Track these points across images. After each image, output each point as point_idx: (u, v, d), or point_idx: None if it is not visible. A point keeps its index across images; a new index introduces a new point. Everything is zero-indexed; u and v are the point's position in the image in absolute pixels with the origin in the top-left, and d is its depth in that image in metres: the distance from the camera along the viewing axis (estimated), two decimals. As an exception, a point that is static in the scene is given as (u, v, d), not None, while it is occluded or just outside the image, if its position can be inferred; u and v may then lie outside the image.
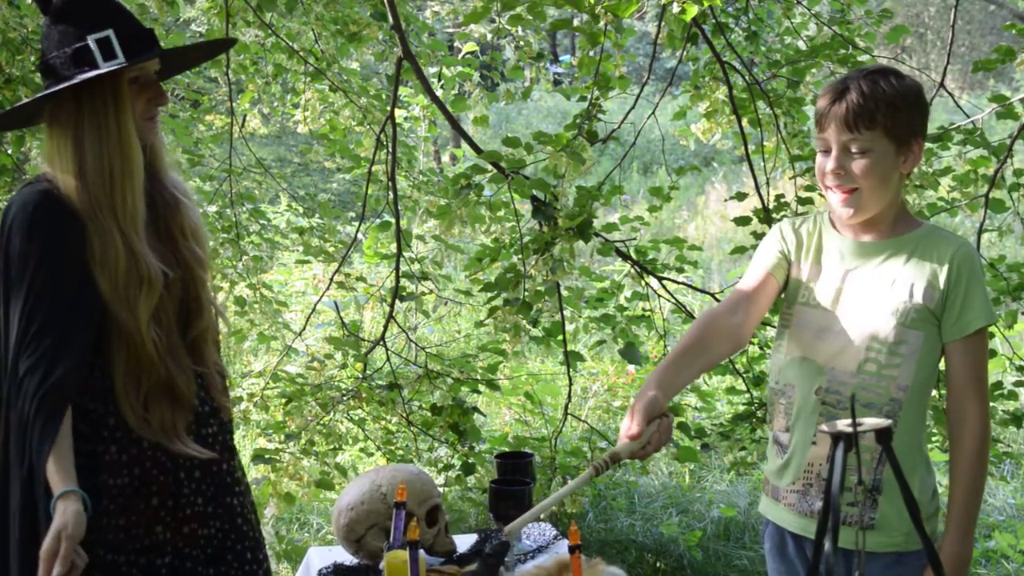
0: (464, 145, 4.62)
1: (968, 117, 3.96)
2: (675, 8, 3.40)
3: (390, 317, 4.28)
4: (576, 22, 3.87)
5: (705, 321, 2.19)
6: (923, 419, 2.15)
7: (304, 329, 4.74)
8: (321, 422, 4.13)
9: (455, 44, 4.75)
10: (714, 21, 4.04)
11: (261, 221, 5.14)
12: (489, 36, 3.97)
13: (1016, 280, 3.82)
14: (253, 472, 4.05)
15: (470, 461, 4.13)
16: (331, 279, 4.54)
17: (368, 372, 4.22)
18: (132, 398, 2.03)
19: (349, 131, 4.96)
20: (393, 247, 4.24)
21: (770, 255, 2.22)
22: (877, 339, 2.08)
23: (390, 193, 4.20)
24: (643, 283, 4.05)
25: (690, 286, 5.12)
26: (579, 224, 3.49)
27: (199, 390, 2.15)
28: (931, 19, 20.85)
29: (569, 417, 4.36)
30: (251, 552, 2.21)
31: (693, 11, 3.36)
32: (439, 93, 4.43)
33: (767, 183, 4.08)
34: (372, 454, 4.69)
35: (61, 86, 2.00)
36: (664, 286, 4.14)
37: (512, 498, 2.43)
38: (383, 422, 4.40)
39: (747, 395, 4.19)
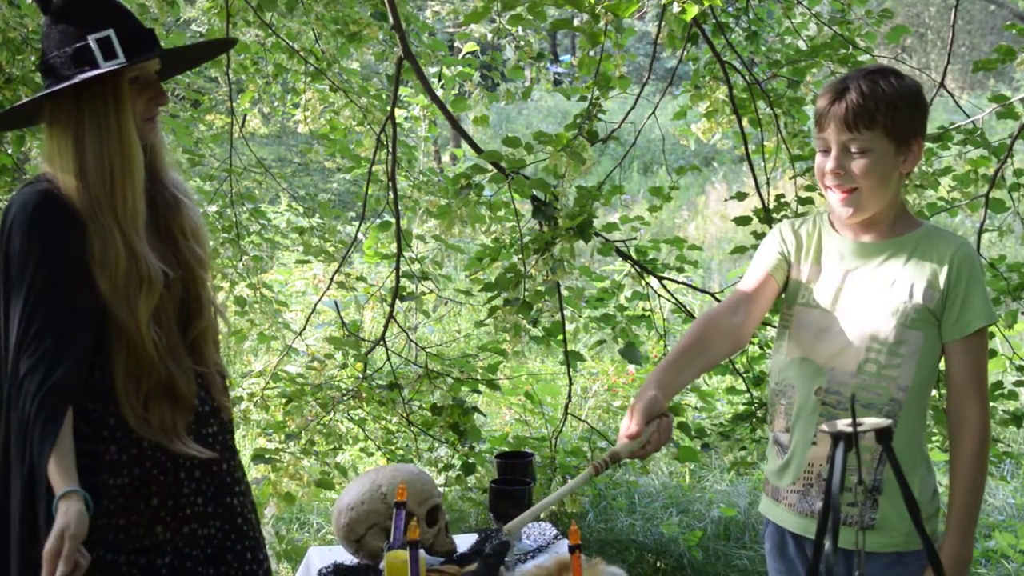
0: (464, 145, 4.62)
1: (968, 117, 3.95)
2: (675, 8, 3.40)
3: (390, 317, 4.28)
4: (576, 22, 3.88)
5: (705, 321, 2.19)
6: (923, 419, 2.15)
7: (304, 329, 4.74)
8: (321, 422, 4.13)
9: (455, 44, 4.75)
10: (714, 21, 4.04)
11: (261, 221, 5.14)
12: (489, 36, 3.97)
13: (1016, 280, 3.82)
14: (253, 472, 4.05)
15: (470, 461, 4.13)
16: (331, 279, 4.54)
17: (368, 372, 4.22)
18: (132, 398, 2.03)
19: (349, 131, 4.96)
20: (393, 247, 4.24)
21: (770, 256, 2.22)
22: (877, 339, 2.08)
23: (390, 193, 4.20)
24: (643, 283, 4.05)
25: (690, 286, 5.12)
26: (579, 224, 3.49)
27: (199, 390, 2.15)
28: (931, 19, 20.85)
29: (569, 417, 4.37)
30: (251, 552, 2.21)
31: (693, 11, 3.36)
32: (439, 93, 4.43)
33: (767, 183, 4.08)
34: (372, 454, 4.69)
35: (61, 85, 2.00)
36: (664, 286, 4.14)
37: (512, 498, 2.43)
38: (383, 422, 4.40)
39: (747, 395, 4.19)
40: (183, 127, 4.96)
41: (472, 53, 4.57)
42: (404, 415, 4.17)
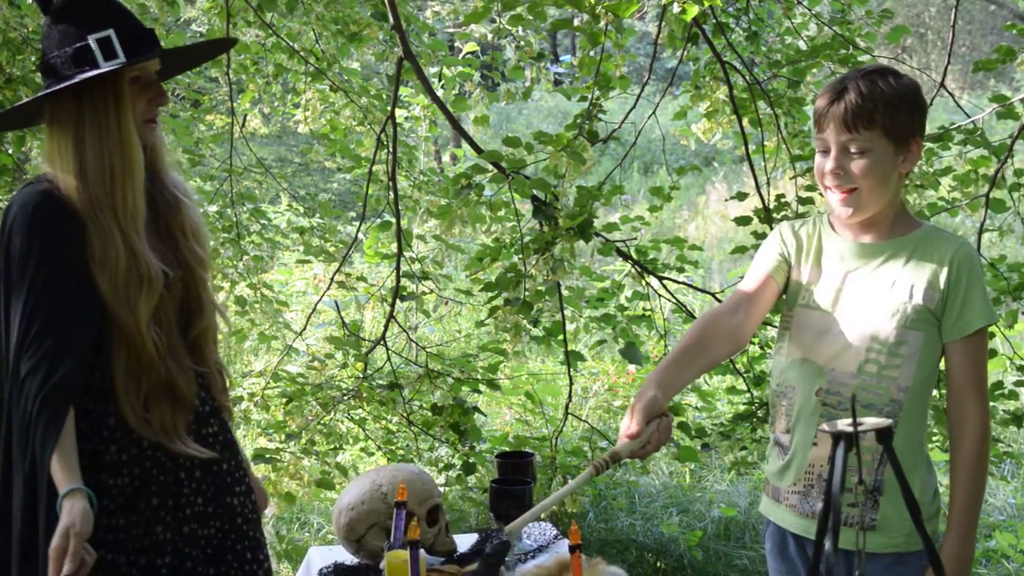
0: (465, 145, 4.62)
1: (968, 117, 3.95)
2: (676, 8, 3.40)
3: (391, 317, 4.28)
4: (577, 22, 3.88)
5: (705, 322, 2.19)
6: (924, 419, 2.15)
7: (305, 329, 4.74)
8: (322, 422, 4.13)
9: (456, 44, 4.75)
10: (715, 21, 4.04)
11: (262, 221, 5.14)
12: (490, 36, 3.97)
13: (1016, 280, 3.82)
14: (253, 472, 4.05)
15: (471, 461, 4.13)
16: (332, 279, 4.54)
17: (369, 372, 4.23)
18: (132, 398, 2.03)
19: (350, 131, 4.96)
20: (394, 247, 4.25)
21: (770, 258, 2.22)
22: (877, 340, 2.08)
23: (391, 193, 4.20)
24: (644, 283, 4.06)
25: (691, 286, 5.12)
26: (580, 224, 3.49)
27: (199, 390, 2.15)
28: (931, 19, 20.84)
29: (570, 417, 4.37)
30: (251, 552, 2.21)
31: (694, 11, 3.36)
32: (440, 93, 4.43)
33: (768, 183, 4.08)
34: (373, 454, 4.69)
35: (61, 85, 2.00)
36: (665, 286, 4.15)
37: (512, 498, 2.43)
38: (384, 422, 4.40)
39: (747, 395, 4.20)
40: (183, 127, 4.96)
41: (472, 53, 4.57)
42: (404, 415, 4.17)
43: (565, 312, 3.93)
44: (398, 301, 4.27)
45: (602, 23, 3.46)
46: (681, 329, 4.76)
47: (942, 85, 4.04)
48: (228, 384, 2.30)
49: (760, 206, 3.98)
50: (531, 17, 3.72)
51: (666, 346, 4.26)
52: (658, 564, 4.52)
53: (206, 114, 5.50)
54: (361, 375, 4.19)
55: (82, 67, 2.00)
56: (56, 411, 1.91)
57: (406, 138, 5.12)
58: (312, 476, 4.17)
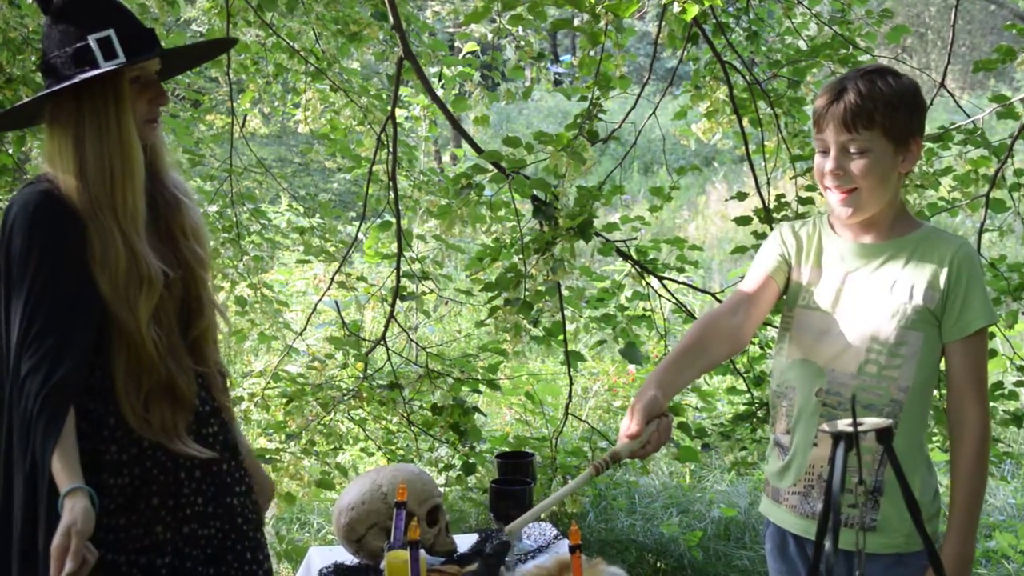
0: (465, 145, 4.62)
1: (968, 117, 3.95)
2: (676, 8, 3.40)
3: (391, 317, 4.28)
4: (577, 22, 3.88)
5: (705, 322, 2.19)
6: (924, 420, 2.15)
7: (305, 329, 4.74)
8: (322, 422, 4.13)
9: (456, 44, 4.75)
10: (715, 21, 4.04)
11: (262, 221, 5.14)
12: (490, 36, 3.97)
13: (1016, 280, 3.82)
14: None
15: (471, 461, 4.13)
16: (332, 279, 4.55)
17: (369, 372, 4.23)
18: (132, 398, 2.03)
19: (350, 131, 4.96)
20: (394, 247, 4.25)
21: (770, 258, 2.22)
22: (877, 340, 2.08)
23: (391, 193, 4.20)
24: (644, 283, 4.06)
25: (691, 286, 5.12)
26: (580, 224, 3.49)
27: (200, 390, 2.15)
28: (931, 19, 20.84)
29: (570, 417, 4.37)
30: (251, 552, 2.21)
31: (694, 11, 3.36)
32: (440, 93, 4.43)
33: (768, 183, 4.08)
34: (373, 454, 4.69)
35: (62, 85, 2.00)
36: (665, 286, 4.15)
37: (513, 498, 2.43)
38: (384, 422, 4.40)
39: (748, 395, 4.20)
40: (183, 127, 4.96)
41: (472, 53, 4.57)
42: (404, 415, 4.17)
43: (565, 312, 3.93)
44: (398, 301, 4.27)
45: (602, 23, 3.46)
46: (681, 329, 4.76)
47: (942, 85, 4.04)
48: (229, 384, 2.30)
49: (760, 206, 3.98)
50: (531, 17, 3.72)
51: (666, 346, 4.26)
52: (658, 564, 4.53)
53: (206, 114, 5.51)
54: (361, 375, 4.19)
55: (82, 67, 2.00)
56: (57, 410, 1.91)
57: (406, 138, 5.12)
58: (312, 476, 4.17)
